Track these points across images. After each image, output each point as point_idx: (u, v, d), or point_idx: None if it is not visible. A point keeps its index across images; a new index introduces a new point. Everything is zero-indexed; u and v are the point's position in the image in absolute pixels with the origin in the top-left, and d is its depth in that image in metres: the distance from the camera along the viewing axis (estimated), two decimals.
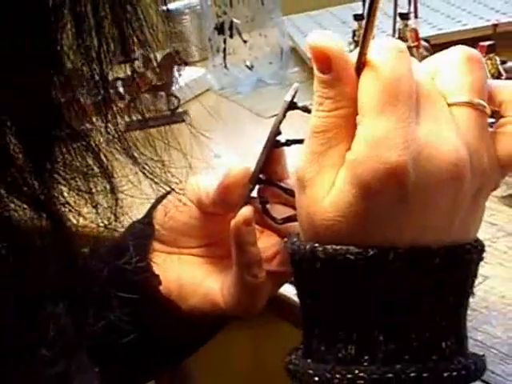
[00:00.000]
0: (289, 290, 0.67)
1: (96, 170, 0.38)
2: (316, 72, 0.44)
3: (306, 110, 0.53)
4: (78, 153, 0.37)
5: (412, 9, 1.15)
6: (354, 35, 1.15)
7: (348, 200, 0.42)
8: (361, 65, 0.43)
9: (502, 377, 0.58)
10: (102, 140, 0.38)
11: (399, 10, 1.14)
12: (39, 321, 0.38)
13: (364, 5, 1.15)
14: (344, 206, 0.42)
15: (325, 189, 0.43)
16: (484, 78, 0.45)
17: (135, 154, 0.40)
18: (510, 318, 0.64)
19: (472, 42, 1.20)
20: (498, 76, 0.89)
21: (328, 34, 0.43)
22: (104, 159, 0.39)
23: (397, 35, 1.13)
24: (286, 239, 0.48)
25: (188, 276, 0.62)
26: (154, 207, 0.63)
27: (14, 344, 0.36)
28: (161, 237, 0.62)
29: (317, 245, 0.43)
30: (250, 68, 1.36)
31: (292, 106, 0.53)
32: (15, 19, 0.32)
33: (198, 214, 0.61)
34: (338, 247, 0.42)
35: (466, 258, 0.44)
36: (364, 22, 0.43)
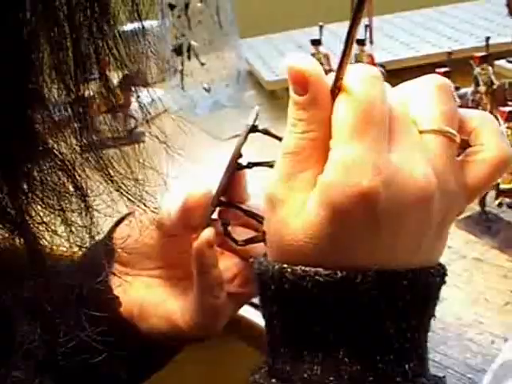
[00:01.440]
0: (249, 311, 0.67)
1: (70, 188, 0.38)
2: (292, 94, 0.44)
3: (267, 133, 0.54)
4: (53, 171, 0.37)
5: (367, 35, 1.16)
6: None
7: (318, 222, 0.42)
8: (336, 89, 0.44)
9: None
10: (76, 158, 0.38)
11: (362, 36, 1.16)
12: (11, 340, 0.38)
13: (321, 30, 1.17)
14: (314, 228, 0.42)
15: (295, 210, 0.43)
16: (454, 107, 0.46)
17: (110, 172, 0.40)
18: (465, 339, 0.65)
19: (427, 68, 1.24)
20: None
21: (307, 57, 0.44)
22: (78, 178, 0.39)
23: (353, 60, 1.14)
24: (252, 259, 0.48)
25: (148, 297, 0.62)
26: (113, 228, 0.63)
27: None
28: (120, 258, 0.62)
29: (285, 266, 0.43)
30: (208, 90, 1.37)
31: (253, 129, 0.54)
32: None
33: (158, 236, 0.61)
34: (307, 269, 0.42)
35: (430, 281, 0.45)
36: (342, 48, 0.44)
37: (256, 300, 0.76)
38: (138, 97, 1.35)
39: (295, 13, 1.79)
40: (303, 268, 0.43)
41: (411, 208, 0.42)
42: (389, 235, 0.42)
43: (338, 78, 0.44)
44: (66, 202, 0.38)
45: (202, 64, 1.35)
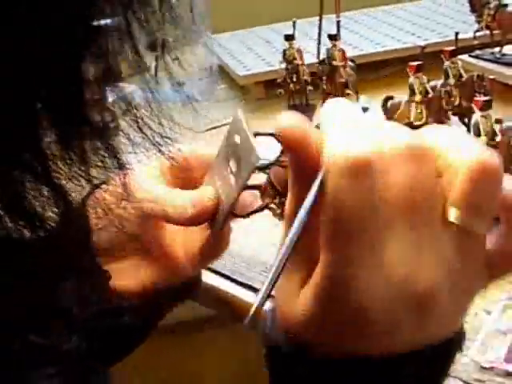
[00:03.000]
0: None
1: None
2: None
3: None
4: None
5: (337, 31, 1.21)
6: (284, 54, 1.20)
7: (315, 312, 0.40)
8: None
9: None
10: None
11: (327, 32, 1.20)
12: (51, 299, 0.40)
13: (294, 26, 1.20)
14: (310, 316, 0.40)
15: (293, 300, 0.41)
16: (496, 198, 0.39)
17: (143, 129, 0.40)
18: None
19: (396, 62, 1.29)
20: (425, 93, 0.96)
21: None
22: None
23: (326, 55, 1.19)
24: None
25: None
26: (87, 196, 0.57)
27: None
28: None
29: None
30: (181, 85, 1.40)
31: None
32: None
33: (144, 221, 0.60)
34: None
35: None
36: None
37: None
38: (112, 91, 1.37)
39: (262, 10, 1.83)
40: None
41: (404, 314, 0.39)
42: (384, 331, 0.40)
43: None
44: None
45: (175, 59, 1.38)
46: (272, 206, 0.58)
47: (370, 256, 0.38)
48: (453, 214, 0.38)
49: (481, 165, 0.38)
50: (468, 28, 1.33)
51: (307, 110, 1.25)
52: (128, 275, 0.61)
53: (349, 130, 0.39)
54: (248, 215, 0.58)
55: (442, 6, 1.65)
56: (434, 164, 0.39)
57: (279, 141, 0.42)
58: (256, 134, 0.51)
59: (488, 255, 0.40)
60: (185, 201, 0.56)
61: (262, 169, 0.54)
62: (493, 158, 0.38)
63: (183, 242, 0.62)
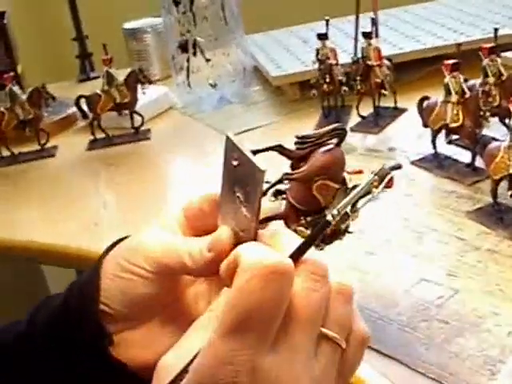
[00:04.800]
0: None
1: None
2: None
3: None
4: None
5: (373, 28, 1.16)
6: (317, 53, 1.16)
7: None
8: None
9: None
10: None
11: (362, 30, 1.16)
12: None
13: (327, 24, 1.16)
14: None
15: None
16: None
17: None
18: (482, 331, 0.65)
19: (433, 60, 1.24)
20: (462, 93, 0.91)
21: None
22: None
23: (360, 54, 1.14)
24: None
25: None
26: (102, 258, 0.54)
27: None
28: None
29: None
30: (213, 86, 1.37)
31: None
32: None
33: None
34: None
35: None
36: None
37: None
38: (144, 94, 1.35)
39: (298, 8, 1.79)
40: None
41: None
42: None
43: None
44: None
45: (208, 60, 1.35)
46: (300, 228, 0.53)
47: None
48: None
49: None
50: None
51: (343, 112, 1.21)
52: (144, 344, 0.53)
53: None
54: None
55: (486, 2, 1.58)
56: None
57: (281, 153, 0.39)
58: (254, 152, 0.46)
59: None
60: (200, 246, 0.50)
61: (276, 195, 0.49)
62: None
63: (208, 301, 0.55)
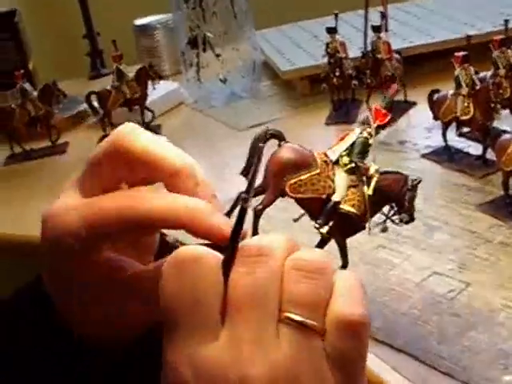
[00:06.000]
0: None
1: None
2: None
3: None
4: None
5: (383, 22, 1.16)
6: (327, 47, 1.16)
7: None
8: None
9: (490, 380, 0.59)
10: None
11: (371, 24, 1.16)
12: None
13: (336, 18, 1.16)
14: None
15: None
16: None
17: None
18: (495, 324, 0.64)
19: (443, 53, 1.23)
20: (472, 86, 0.91)
21: None
22: None
23: (369, 48, 1.14)
24: None
25: None
26: None
27: None
28: None
29: None
30: (224, 81, 1.37)
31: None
32: None
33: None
34: None
35: None
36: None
37: None
38: (154, 89, 1.34)
39: (307, 3, 1.78)
40: None
41: None
42: None
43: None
44: None
45: (218, 56, 1.35)
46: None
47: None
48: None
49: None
50: None
51: (352, 105, 1.21)
52: None
53: None
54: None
55: None
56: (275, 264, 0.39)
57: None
58: None
59: None
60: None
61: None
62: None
63: None
